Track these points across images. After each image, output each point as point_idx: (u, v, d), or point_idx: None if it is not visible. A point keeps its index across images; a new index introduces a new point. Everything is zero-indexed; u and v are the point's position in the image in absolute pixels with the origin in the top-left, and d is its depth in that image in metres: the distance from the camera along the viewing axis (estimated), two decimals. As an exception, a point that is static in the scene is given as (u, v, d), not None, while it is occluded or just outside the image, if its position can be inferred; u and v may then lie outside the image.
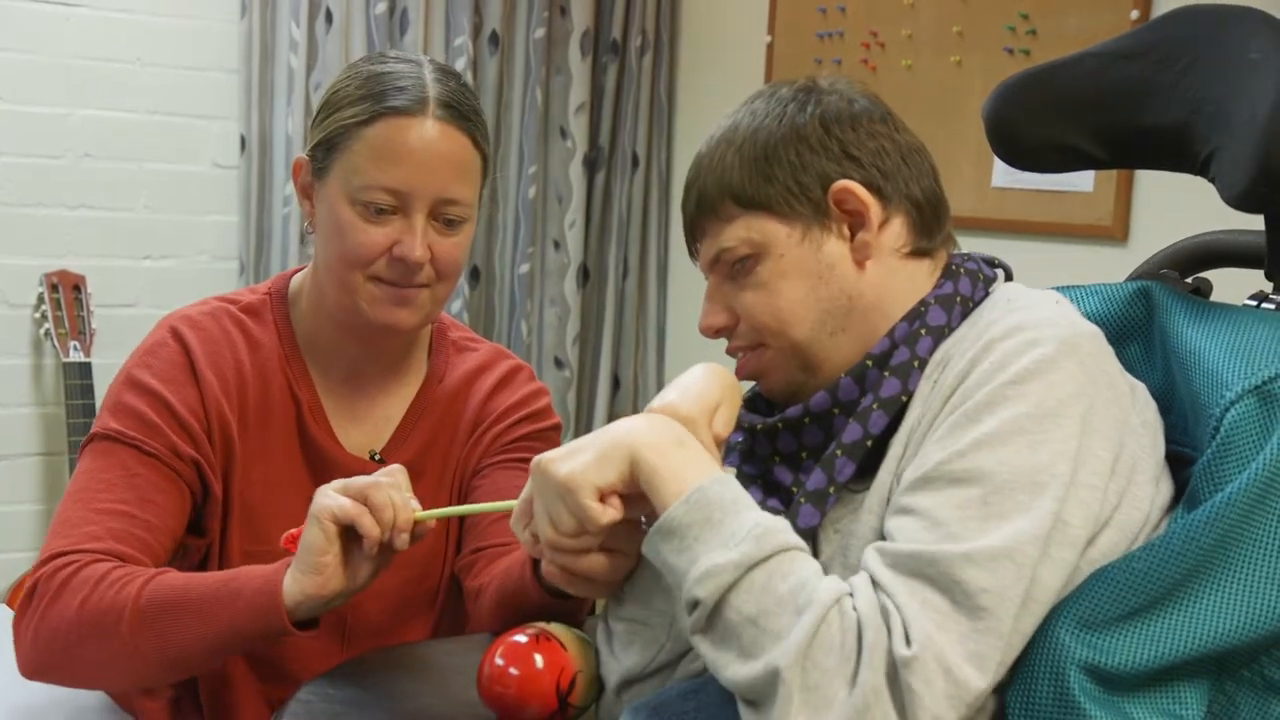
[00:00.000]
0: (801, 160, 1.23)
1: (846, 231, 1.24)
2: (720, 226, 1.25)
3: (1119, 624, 1.04)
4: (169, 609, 1.33)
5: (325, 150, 1.51)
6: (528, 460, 1.61)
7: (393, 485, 1.33)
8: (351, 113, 1.49)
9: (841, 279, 1.23)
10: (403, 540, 1.32)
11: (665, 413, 1.21)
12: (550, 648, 1.21)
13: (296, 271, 1.65)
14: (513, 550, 1.53)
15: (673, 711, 1.14)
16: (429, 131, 1.48)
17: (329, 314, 1.57)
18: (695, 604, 1.06)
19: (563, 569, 1.21)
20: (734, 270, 1.26)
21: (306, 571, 1.30)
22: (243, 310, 1.60)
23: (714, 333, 1.29)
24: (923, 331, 1.21)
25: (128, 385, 1.52)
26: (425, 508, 1.60)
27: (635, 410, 4.17)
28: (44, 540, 1.47)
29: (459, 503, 1.65)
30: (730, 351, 1.30)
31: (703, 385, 1.25)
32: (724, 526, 1.07)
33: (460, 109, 1.51)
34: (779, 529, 1.07)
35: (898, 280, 1.25)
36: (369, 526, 1.30)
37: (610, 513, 1.14)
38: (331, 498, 1.31)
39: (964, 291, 1.24)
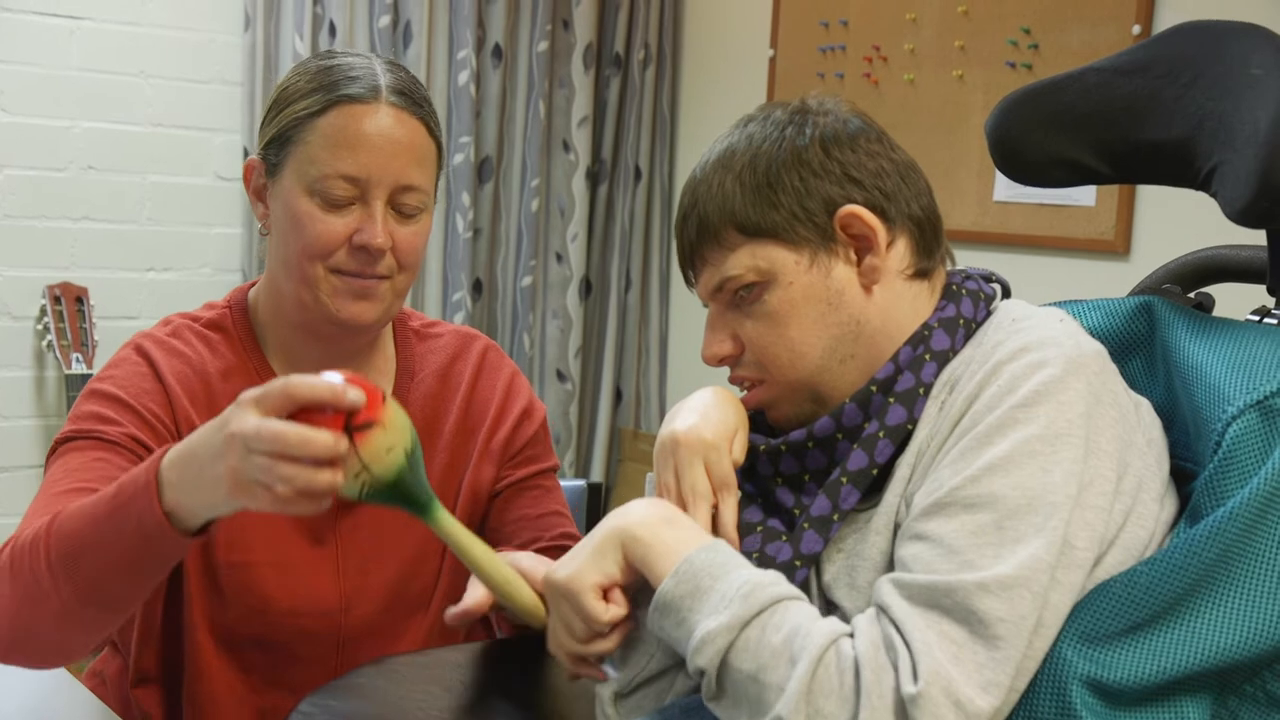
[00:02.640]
0: (805, 185, 1.22)
1: (853, 256, 1.23)
2: (723, 255, 1.24)
3: (1121, 638, 1.04)
4: (72, 555, 1.26)
5: (278, 146, 1.49)
6: (545, 474, 1.66)
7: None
8: (304, 105, 1.48)
9: (850, 304, 1.23)
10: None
11: (689, 436, 1.22)
12: (367, 387, 1.15)
13: (251, 285, 1.62)
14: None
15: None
16: (384, 118, 1.47)
17: (288, 317, 1.55)
18: (700, 673, 1.08)
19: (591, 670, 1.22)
20: (737, 298, 1.25)
21: (204, 509, 1.21)
22: (205, 326, 1.57)
23: (718, 362, 1.28)
24: (927, 356, 1.20)
25: (87, 396, 1.50)
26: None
27: (637, 422, 4.18)
28: None
29: (472, 513, 1.64)
30: (734, 381, 1.29)
31: (721, 410, 1.26)
32: (713, 592, 1.09)
33: (413, 96, 1.51)
34: (767, 583, 1.08)
35: (903, 302, 1.24)
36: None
37: (614, 610, 1.17)
38: (279, 503, 1.13)
39: (966, 313, 1.23)
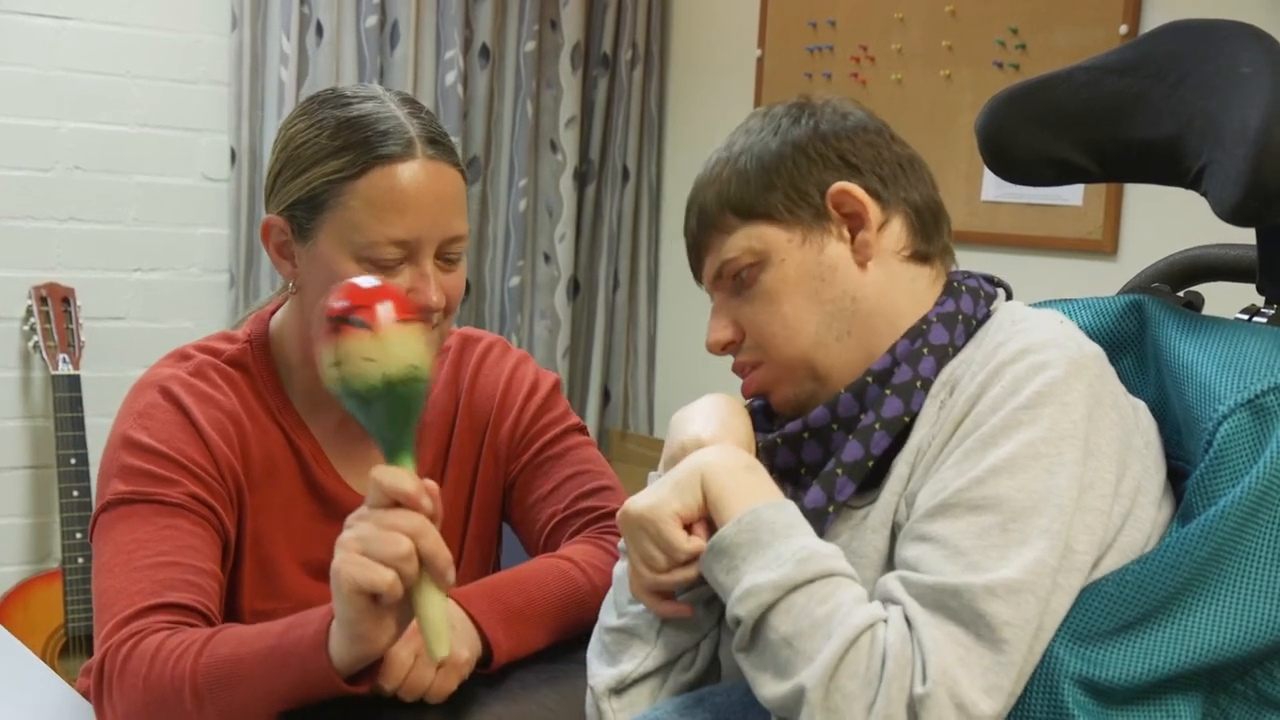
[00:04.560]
0: (799, 169, 1.24)
1: (846, 233, 1.24)
2: (721, 239, 1.26)
3: (1113, 637, 1.04)
4: (224, 682, 1.27)
5: (309, 210, 1.43)
6: (554, 441, 1.64)
7: (419, 530, 1.18)
8: (336, 165, 1.42)
9: (844, 280, 1.23)
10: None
11: (714, 444, 1.22)
12: (393, 296, 1.18)
13: (272, 312, 1.58)
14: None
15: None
16: (423, 174, 1.42)
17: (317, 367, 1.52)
18: (737, 622, 1.09)
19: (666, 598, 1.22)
20: (737, 283, 1.26)
21: (354, 640, 1.21)
22: (227, 363, 1.53)
23: (720, 348, 1.29)
24: (925, 350, 1.21)
25: (127, 448, 1.44)
26: (447, 523, 1.59)
27: (625, 422, 4.18)
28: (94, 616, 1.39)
29: (486, 517, 1.65)
30: (736, 368, 1.29)
31: (738, 418, 1.26)
32: (770, 549, 1.10)
33: (443, 142, 1.46)
34: (825, 554, 1.09)
35: (900, 284, 1.25)
36: (395, 592, 1.17)
37: (696, 541, 1.17)
38: (353, 566, 1.17)
39: (966, 310, 1.24)
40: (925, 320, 1.22)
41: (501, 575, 1.49)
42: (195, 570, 1.39)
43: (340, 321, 1.16)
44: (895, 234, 1.25)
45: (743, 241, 1.24)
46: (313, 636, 1.25)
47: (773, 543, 1.10)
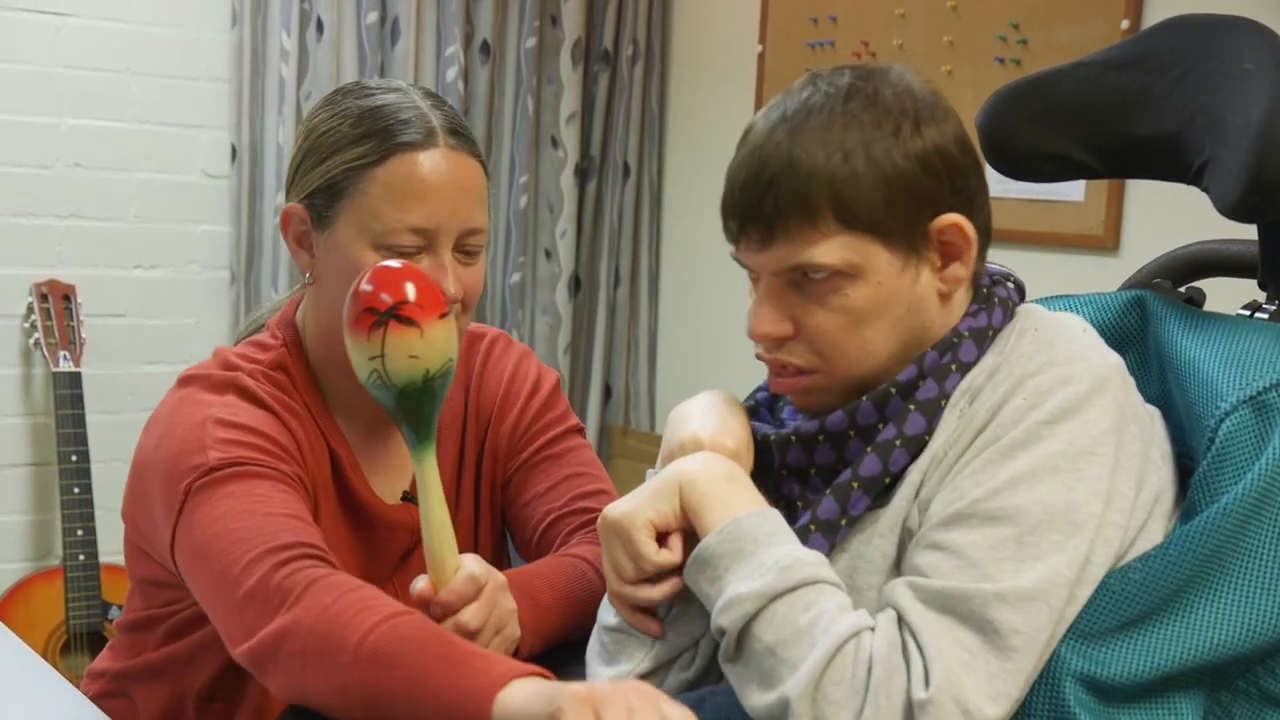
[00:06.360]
0: (923, 192, 1.15)
1: (938, 262, 1.18)
2: (815, 237, 1.14)
3: (1115, 635, 1.04)
4: (388, 659, 1.19)
5: (329, 197, 1.42)
6: (554, 440, 1.62)
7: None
8: (357, 153, 1.41)
9: (925, 311, 1.18)
10: None
11: (713, 443, 1.21)
12: (428, 291, 1.23)
13: (293, 310, 1.55)
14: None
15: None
16: (444, 163, 1.41)
17: (344, 364, 1.44)
18: (722, 633, 1.08)
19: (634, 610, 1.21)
20: (805, 281, 1.16)
21: None
22: (270, 367, 1.49)
23: (769, 340, 1.20)
24: (953, 367, 1.17)
25: (220, 426, 1.39)
26: (464, 524, 1.58)
27: (626, 419, 4.18)
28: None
29: (493, 515, 1.63)
30: (776, 364, 1.21)
31: (738, 418, 1.25)
32: (754, 558, 1.09)
33: (465, 134, 1.46)
34: (808, 561, 1.08)
35: (959, 307, 1.21)
36: None
37: (665, 554, 1.16)
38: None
39: (995, 324, 1.20)
40: (956, 333, 1.18)
41: (529, 570, 1.48)
42: (320, 536, 1.34)
43: (387, 317, 1.20)
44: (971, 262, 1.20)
45: (842, 252, 1.14)
46: (492, 680, 1.13)
47: (755, 552, 1.09)
